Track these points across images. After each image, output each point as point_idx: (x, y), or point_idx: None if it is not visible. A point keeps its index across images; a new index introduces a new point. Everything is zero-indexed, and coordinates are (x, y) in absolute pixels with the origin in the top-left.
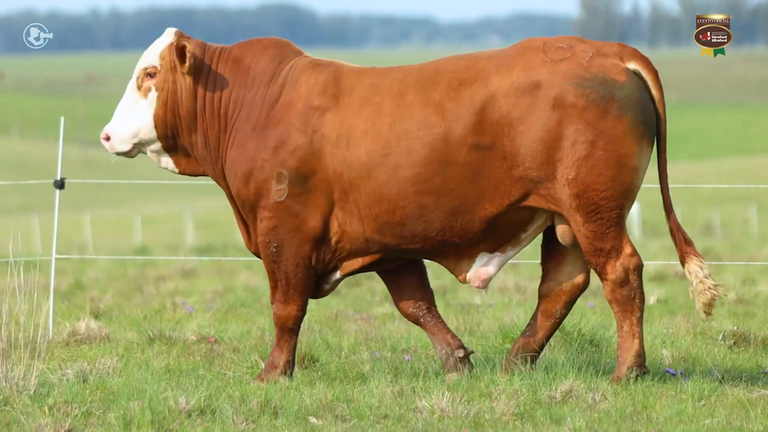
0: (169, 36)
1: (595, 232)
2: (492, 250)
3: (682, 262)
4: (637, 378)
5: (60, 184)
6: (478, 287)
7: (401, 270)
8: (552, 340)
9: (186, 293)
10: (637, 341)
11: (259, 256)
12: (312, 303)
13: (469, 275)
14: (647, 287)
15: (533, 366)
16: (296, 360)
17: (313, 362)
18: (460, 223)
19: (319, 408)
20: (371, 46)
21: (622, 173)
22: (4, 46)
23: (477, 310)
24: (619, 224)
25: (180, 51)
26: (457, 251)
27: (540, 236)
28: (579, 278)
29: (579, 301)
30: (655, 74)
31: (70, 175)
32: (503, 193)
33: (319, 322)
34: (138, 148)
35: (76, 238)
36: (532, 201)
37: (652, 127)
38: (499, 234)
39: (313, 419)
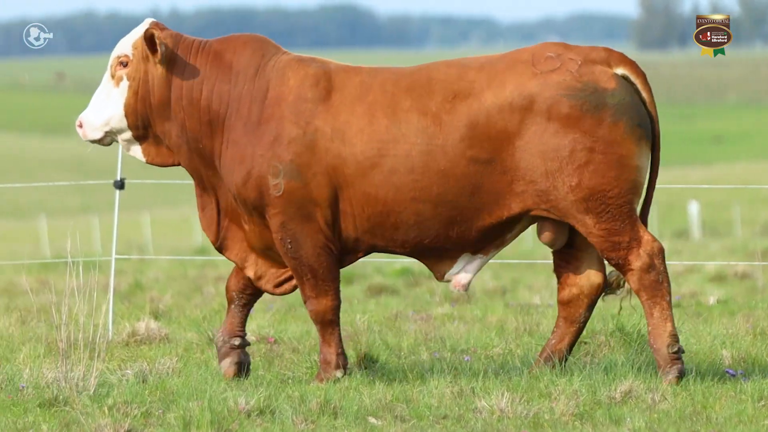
0: (145, 26)
1: (609, 229)
2: (475, 252)
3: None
4: (678, 352)
5: (120, 185)
6: (459, 290)
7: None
8: (611, 340)
9: None
10: (669, 324)
11: (271, 292)
12: (371, 303)
13: (450, 278)
14: (707, 287)
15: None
16: (356, 360)
17: (373, 362)
18: (456, 232)
19: (379, 408)
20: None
21: (625, 172)
22: (66, 47)
23: (536, 310)
24: (631, 217)
25: (149, 40)
26: (440, 253)
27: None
28: (597, 279)
29: (638, 301)
30: (643, 77)
31: (130, 176)
32: (503, 206)
33: (378, 322)
34: (110, 136)
35: (135, 238)
36: (536, 213)
37: (648, 129)
38: (486, 237)
39: (372, 419)
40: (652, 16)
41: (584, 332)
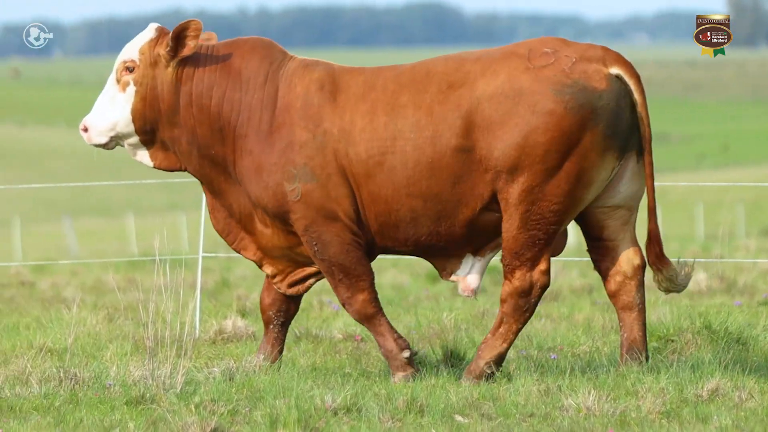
0: (150, 31)
1: (526, 239)
2: (475, 253)
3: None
4: (492, 375)
5: None
6: (466, 296)
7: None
8: (698, 338)
9: (332, 292)
10: (506, 345)
11: (285, 291)
12: (458, 301)
13: (458, 279)
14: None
15: (647, 361)
16: (443, 358)
17: (460, 360)
18: (443, 227)
19: (465, 406)
20: None
21: (577, 189)
22: None
23: None
24: (550, 239)
25: (178, 37)
26: (444, 253)
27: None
28: (637, 260)
29: (726, 299)
30: (637, 78)
31: None
32: (477, 195)
33: (465, 320)
34: (115, 140)
35: None
36: (493, 203)
37: (621, 140)
38: (481, 237)
39: (459, 417)
40: (741, 14)
41: (670, 330)
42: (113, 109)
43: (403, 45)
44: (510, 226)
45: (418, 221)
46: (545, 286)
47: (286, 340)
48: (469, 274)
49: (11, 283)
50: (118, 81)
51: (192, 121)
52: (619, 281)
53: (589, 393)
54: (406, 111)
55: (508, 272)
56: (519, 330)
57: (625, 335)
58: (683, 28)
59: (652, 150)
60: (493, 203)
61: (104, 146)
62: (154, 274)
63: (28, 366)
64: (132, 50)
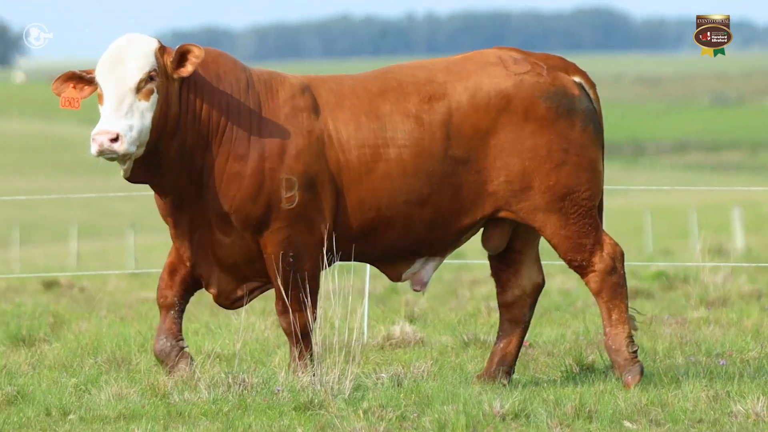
0: (150, 40)
1: (578, 231)
2: (432, 255)
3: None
4: (636, 351)
5: None
6: (416, 290)
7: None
8: None
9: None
10: (627, 326)
11: (227, 307)
12: None
13: (408, 277)
14: None
15: (510, 379)
16: (611, 364)
17: None
18: (435, 234)
19: (634, 412)
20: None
21: (595, 175)
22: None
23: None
24: (595, 219)
25: (182, 56)
26: (397, 257)
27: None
28: (538, 279)
29: None
30: (594, 87)
31: None
32: (478, 206)
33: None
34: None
35: None
36: (501, 215)
37: (602, 138)
38: (461, 242)
39: (627, 423)
40: None
41: None
42: (136, 117)
43: (571, 51)
44: (554, 230)
45: (411, 227)
46: (623, 254)
47: (455, 347)
48: (422, 269)
49: None
50: (138, 89)
51: (185, 129)
52: (516, 295)
53: (758, 399)
54: (393, 118)
55: (585, 266)
56: (627, 305)
57: (501, 346)
58: None
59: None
60: (492, 215)
61: (123, 158)
62: (323, 279)
63: (197, 371)
64: (148, 58)
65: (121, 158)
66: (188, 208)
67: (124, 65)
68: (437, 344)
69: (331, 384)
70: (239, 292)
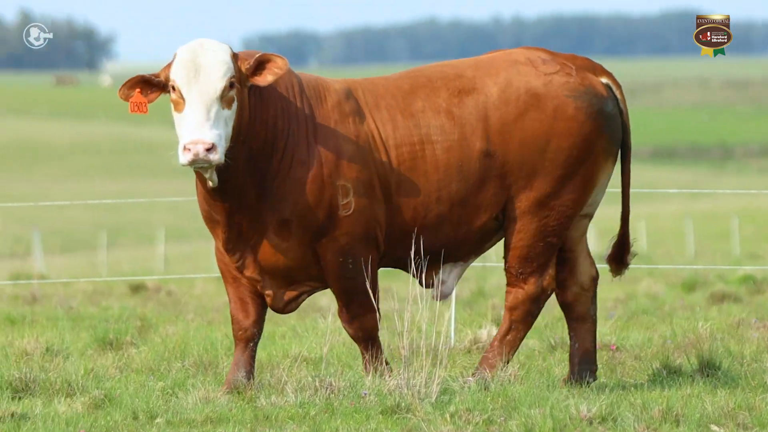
0: (224, 46)
1: (542, 247)
2: (457, 260)
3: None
4: (491, 377)
5: None
6: (439, 300)
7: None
8: None
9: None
10: (512, 353)
11: (282, 312)
12: (714, 311)
13: (437, 283)
14: None
15: (596, 376)
16: (698, 367)
17: (715, 370)
18: (461, 233)
19: (721, 416)
20: None
21: (586, 194)
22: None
23: None
24: (558, 246)
25: (260, 65)
26: (426, 261)
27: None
28: (593, 271)
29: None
30: (620, 89)
31: None
32: (495, 202)
33: (720, 330)
34: None
35: None
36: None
37: (618, 146)
38: (483, 242)
39: (714, 427)
40: None
41: None
42: (222, 126)
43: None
44: (524, 234)
45: (441, 227)
46: (552, 291)
47: (542, 350)
48: (447, 278)
49: None
50: (221, 97)
51: (254, 135)
52: (575, 292)
53: None
54: (426, 115)
55: (520, 279)
56: (523, 338)
57: (578, 345)
58: None
59: (630, 159)
60: (501, 209)
61: (211, 168)
62: (410, 283)
63: (284, 375)
64: (228, 65)
65: (209, 168)
66: (246, 213)
67: (207, 73)
68: (524, 348)
69: (418, 388)
70: (287, 296)
